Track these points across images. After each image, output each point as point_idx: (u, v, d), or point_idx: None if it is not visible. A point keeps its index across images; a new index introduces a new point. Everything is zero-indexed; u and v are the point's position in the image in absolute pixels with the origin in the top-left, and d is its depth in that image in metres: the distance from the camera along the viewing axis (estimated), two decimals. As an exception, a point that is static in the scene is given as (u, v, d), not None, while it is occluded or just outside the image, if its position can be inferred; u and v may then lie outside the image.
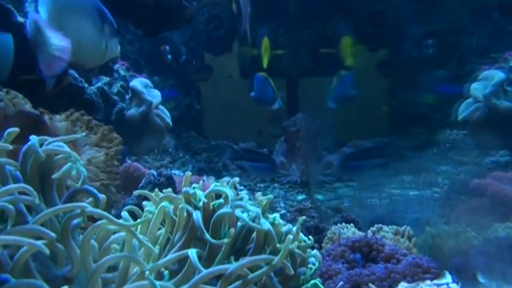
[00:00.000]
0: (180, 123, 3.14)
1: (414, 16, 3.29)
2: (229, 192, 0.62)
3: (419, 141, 3.02)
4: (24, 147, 0.60)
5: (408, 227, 0.82)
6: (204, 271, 0.58)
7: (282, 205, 2.32)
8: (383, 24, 3.36)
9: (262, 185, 2.73)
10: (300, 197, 2.54)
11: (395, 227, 0.83)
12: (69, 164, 0.60)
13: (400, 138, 3.11)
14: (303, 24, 3.48)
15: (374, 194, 2.30)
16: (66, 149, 0.61)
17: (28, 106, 0.99)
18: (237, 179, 0.66)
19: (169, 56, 3.43)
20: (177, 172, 2.82)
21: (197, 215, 0.64)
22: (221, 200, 0.64)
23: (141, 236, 0.61)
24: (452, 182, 2.02)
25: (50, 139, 0.61)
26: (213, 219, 0.64)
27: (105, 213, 0.59)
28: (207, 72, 3.58)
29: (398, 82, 3.46)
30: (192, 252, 0.60)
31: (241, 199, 0.63)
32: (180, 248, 0.65)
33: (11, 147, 0.61)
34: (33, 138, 0.61)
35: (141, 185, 1.03)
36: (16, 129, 0.61)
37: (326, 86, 3.50)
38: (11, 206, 0.57)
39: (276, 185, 2.74)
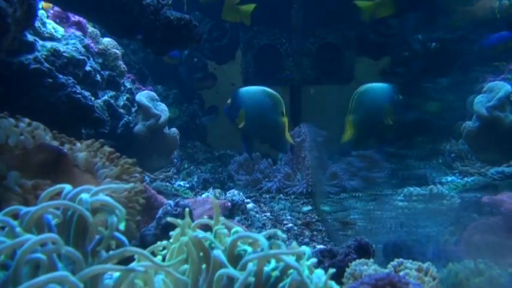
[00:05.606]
0: (184, 133, 3.13)
1: (418, 24, 3.29)
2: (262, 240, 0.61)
3: (423, 150, 3.01)
4: (65, 201, 0.59)
5: (431, 265, 0.81)
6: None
7: (289, 217, 2.31)
8: (386, 33, 3.36)
9: (267, 196, 2.72)
10: (305, 209, 2.53)
11: (418, 263, 0.83)
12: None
13: (405, 147, 3.10)
14: (306, 32, 3.48)
15: (380, 206, 2.30)
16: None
17: (48, 137, 0.98)
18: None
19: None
20: (182, 183, 2.81)
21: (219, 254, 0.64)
22: (246, 247, 0.64)
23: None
24: (461, 196, 2.02)
25: (87, 189, 0.61)
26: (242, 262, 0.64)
27: (149, 255, 0.60)
28: (211, 80, 3.59)
29: (402, 90, 3.46)
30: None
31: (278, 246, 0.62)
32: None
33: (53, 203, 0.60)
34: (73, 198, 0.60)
35: (158, 215, 1.02)
36: (69, 187, 0.60)
37: (329, 94, 3.50)
38: (43, 256, 0.58)
39: (281, 195, 2.74)
